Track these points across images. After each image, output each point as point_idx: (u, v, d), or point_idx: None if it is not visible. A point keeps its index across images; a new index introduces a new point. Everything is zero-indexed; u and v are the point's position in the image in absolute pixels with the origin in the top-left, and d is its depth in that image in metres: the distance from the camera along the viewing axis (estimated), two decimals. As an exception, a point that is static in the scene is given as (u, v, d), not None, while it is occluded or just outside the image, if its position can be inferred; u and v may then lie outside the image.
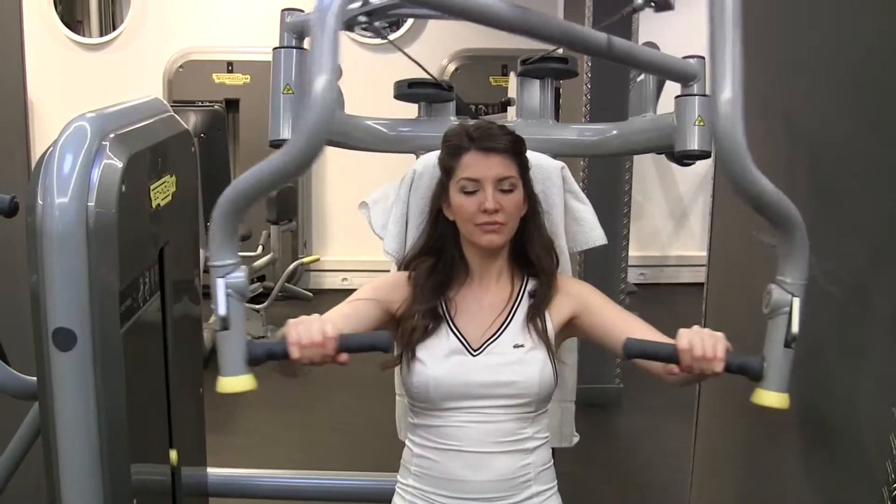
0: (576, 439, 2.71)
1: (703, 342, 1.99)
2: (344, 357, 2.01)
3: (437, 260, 2.36)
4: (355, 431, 5.23)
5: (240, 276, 1.97)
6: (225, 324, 1.97)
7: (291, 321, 2.02)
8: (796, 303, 2.04)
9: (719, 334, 2.02)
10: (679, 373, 2.04)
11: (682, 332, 2.03)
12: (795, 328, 2.03)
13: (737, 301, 2.96)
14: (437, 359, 2.25)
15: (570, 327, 2.36)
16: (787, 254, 2.06)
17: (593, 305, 2.36)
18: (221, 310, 1.96)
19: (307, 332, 1.98)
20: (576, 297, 2.37)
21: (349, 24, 2.35)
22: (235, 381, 1.98)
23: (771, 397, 2.05)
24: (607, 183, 5.53)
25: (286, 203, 7.27)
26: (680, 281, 8.45)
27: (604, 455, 5.10)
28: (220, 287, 1.96)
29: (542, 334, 2.29)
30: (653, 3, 2.48)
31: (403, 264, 2.45)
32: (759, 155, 2.25)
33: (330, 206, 8.41)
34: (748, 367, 2.05)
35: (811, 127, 2.41)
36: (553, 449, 2.44)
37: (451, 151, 2.31)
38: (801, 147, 2.37)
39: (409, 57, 2.71)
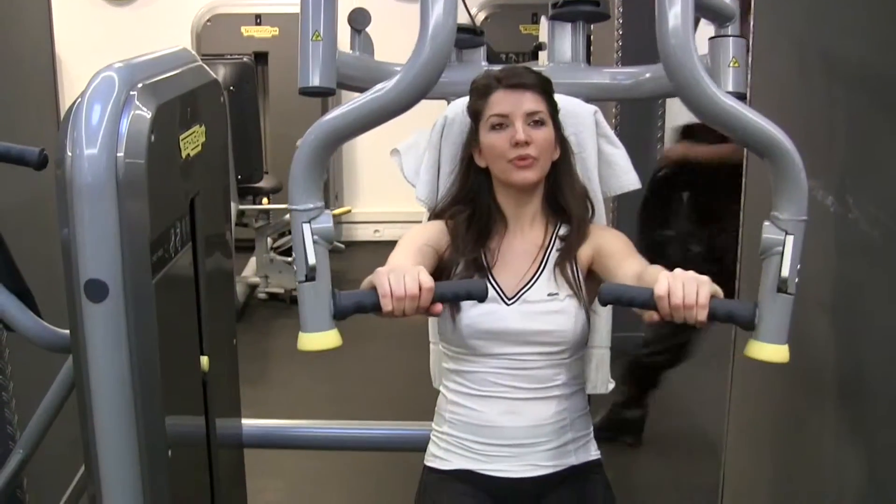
0: (611, 385, 2.69)
1: (683, 287, 1.83)
2: (439, 307, 1.93)
3: (474, 209, 2.35)
4: (389, 382, 5.24)
5: (326, 220, 1.90)
6: (312, 273, 1.86)
7: (381, 269, 1.91)
8: (790, 241, 1.86)
9: (704, 278, 1.86)
10: (659, 320, 1.88)
11: (662, 275, 1.87)
12: (786, 271, 1.85)
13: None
14: (471, 306, 2.25)
15: (592, 272, 2.34)
16: (777, 185, 1.89)
17: (607, 248, 2.29)
18: (311, 258, 1.86)
19: (401, 282, 1.87)
20: (594, 240, 2.34)
21: None
22: (321, 338, 1.89)
23: (765, 350, 1.88)
24: (640, 129, 5.47)
25: (317, 155, 7.24)
26: (713, 229, 8.39)
27: (639, 403, 5.08)
28: (307, 233, 1.87)
29: (574, 281, 2.28)
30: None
31: (435, 213, 2.44)
32: (793, 93, 2.21)
33: (361, 158, 8.39)
34: (736, 315, 1.89)
35: (849, 64, 2.36)
36: (589, 396, 2.43)
37: (480, 93, 2.30)
38: (839, 82, 2.33)
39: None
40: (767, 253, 1.87)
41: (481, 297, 1.96)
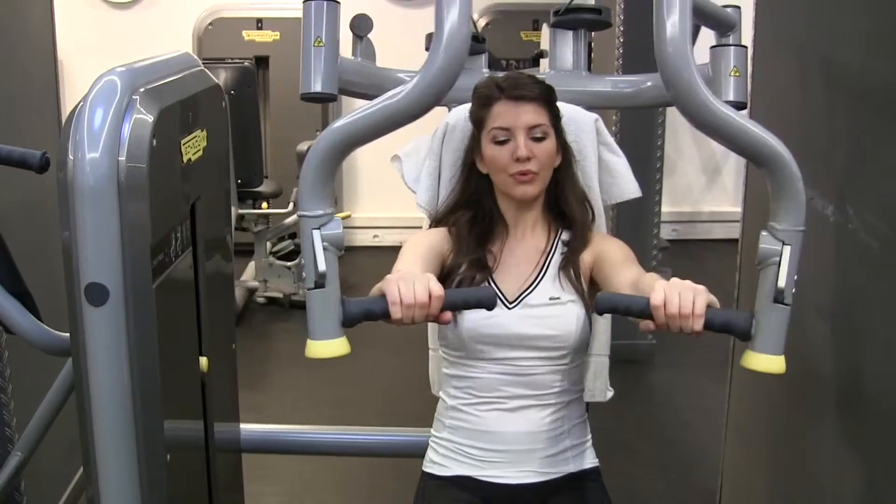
0: (610, 394, 2.70)
1: (679, 297, 1.81)
2: (448, 316, 1.91)
3: (476, 212, 2.36)
4: (389, 388, 5.23)
5: (336, 227, 1.88)
6: (321, 280, 1.84)
7: (390, 277, 1.89)
8: (786, 252, 1.84)
9: (701, 287, 1.84)
10: (655, 329, 1.87)
11: (658, 284, 1.86)
12: (782, 282, 1.83)
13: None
14: (472, 311, 2.25)
15: (593, 279, 2.35)
16: (775, 195, 1.88)
17: (607, 256, 2.29)
18: (321, 265, 1.84)
19: (410, 290, 1.85)
20: (595, 247, 2.35)
21: None
22: (329, 346, 1.88)
23: (761, 360, 1.86)
24: (640, 137, 5.48)
25: (317, 160, 7.24)
26: (712, 237, 8.39)
27: (637, 411, 5.09)
28: (317, 239, 1.85)
29: (577, 285, 2.29)
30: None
31: (435, 220, 2.44)
32: (793, 99, 2.21)
33: (361, 163, 8.38)
34: (733, 326, 1.87)
35: (850, 72, 2.37)
36: (587, 404, 2.43)
37: (482, 102, 2.30)
38: (840, 91, 2.34)
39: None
40: (764, 263, 1.86)
41: (490, 306, 1.93)
